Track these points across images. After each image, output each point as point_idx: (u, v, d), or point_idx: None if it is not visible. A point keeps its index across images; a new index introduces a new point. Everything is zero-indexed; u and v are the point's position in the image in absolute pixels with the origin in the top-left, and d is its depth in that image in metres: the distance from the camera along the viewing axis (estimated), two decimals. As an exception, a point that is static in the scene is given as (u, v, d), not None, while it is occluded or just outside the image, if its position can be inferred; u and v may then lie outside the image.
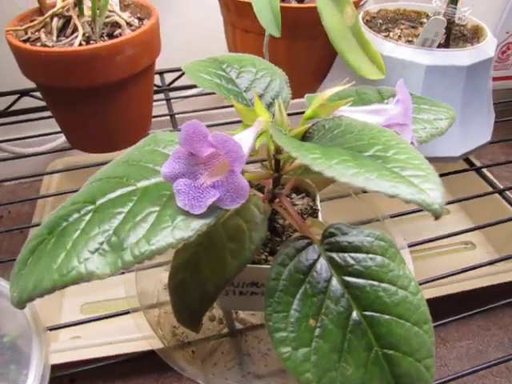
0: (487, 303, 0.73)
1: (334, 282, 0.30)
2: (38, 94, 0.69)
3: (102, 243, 0.24)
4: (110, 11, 0.52)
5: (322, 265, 0.31)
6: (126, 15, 0.54)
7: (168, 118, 0.68)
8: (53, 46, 0.47)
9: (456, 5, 0.49)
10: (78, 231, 0.26)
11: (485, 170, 0.59)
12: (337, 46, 0.44)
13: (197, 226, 0.24)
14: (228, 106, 0.72)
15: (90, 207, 0.27)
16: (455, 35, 0.54)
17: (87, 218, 0.26)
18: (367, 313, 0.30)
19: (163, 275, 0.42)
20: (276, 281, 0.29)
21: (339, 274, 0.31)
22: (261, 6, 0.42)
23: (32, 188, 0.89)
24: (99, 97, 0.49)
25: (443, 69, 0.46)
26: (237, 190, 0.24)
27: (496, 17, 0.65)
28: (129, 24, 0.53)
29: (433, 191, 0.21)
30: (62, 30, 0.50)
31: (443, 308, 0.48)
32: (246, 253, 0.30)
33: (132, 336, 0.54)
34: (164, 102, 0.72)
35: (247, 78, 0.35)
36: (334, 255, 0.31)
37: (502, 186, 0.56)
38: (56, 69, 0.46)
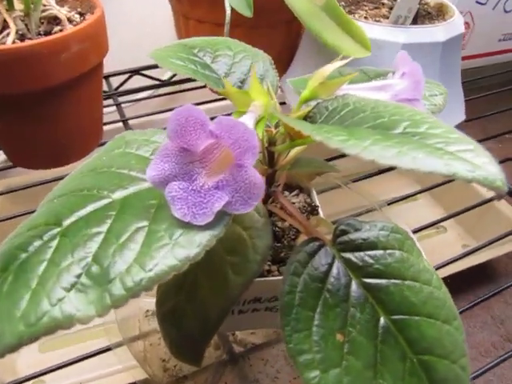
0: (464, 285, 0.73)
1: (354, 286, 0.26)
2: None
3: (79, 276, 0.19)
4: (44, 5, 0.45)
5: (339, 268, 0.26)
6: (64, 10, 0.47)
7: (120, 124, 0.62)
8: (-22, 47, 0.40)
9: (422, -20, 0.47)
10: (45, 263, 0.20)
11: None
12: (310, 27, 0.40)
13: (203, 240, 0.19)
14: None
15: (55, 230, 0.21)
16: (420, 13, 0.52)
17: (54, 244, 0.20)
18: (395, 317, 0.26)
19: (144, 301, 0.36)
20: (291, 294, 0.25)
21: (358, 276, 0.27)
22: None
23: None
24: (44, 102, 0.42)
25: (420, 46, 0.44)
26: (248, 190, 0.19)
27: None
28: (69, 19, 0.46)
29: (489, 165, 0.18)
30: (-12, 29, 0.43)
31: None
32: (251, 266, 0.25)
33: (109, 370, 0.47)
34: (113, 108, 0.65)
35: (224, 62, 0.30)
36: (350, 256, 0.27)
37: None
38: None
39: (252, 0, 0.40)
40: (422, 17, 0.52)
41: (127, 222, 0.20)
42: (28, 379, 0.34)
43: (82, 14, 0.49)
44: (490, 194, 0.77)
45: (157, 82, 0.73)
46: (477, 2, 0.64)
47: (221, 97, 0.67)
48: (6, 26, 0.43)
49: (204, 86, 0.73)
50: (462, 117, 0.52)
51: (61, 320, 0.18)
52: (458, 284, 0.72)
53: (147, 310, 0.35)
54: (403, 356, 0.25)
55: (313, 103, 0.27)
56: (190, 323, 0.25)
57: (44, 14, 0.44)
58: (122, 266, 0.18)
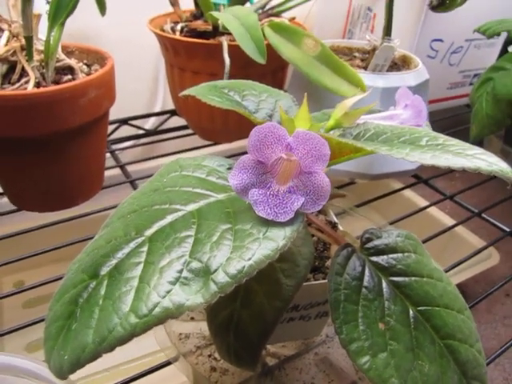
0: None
1: (384, 284, 0.30)
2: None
3: (180, 271, 0.21)
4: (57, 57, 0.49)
5: (370, 269, 0.30)
6: (72, 61, 0.51)
7: (117, 169, 0.64)
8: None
9: (390, 36, 0.55)
10: (141, 264, 0.22)
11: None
12: (307, 74, 0.46)
13: (287, 233, 0.22)
14: (171, 154, 0.70)
15: (140, 239, 0.24)
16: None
17: (145, 249, 0.23)
18: (420, 308, 0.30)
19: (174, 325, 0.37)
20: (337, 292, 0.28)
21: (386, 275, 0.31)
22: (241, 36, 0.43)
23: None
24: (59, 145, 0.45)
25: (396, 89, 0.51)
26: (317, 192, 0.23)
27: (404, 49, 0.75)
28: (80, 70, 0.50)
29: (500, 163, 0.23)
30: (5, 77, 0.45)
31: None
32: (300, 269, 0.29)
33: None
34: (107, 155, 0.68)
35: (252, 100, 0.35)
36: (377, 259, 0.31)
37: (448, 193, 0.62)
38: (10, 116, 0.41)
39: (265, 48, 0.45)
40: (390, 67, 0.60)
41: (212, 226, 0.23)
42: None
43: (88, 66, 0.52)
44: (452, 222, 0.85)
45: (143, 132, 0.76)
46: (428, 56, 0.74)
47: (209, 143, 0.71)
48: (22, 75, 0.46)
49: (186, 135, 0.77)
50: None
51: (172, 309, 0.20)
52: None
53: (180, 334, 0.37)
54: (432, 341, 0.29)
55: (335, 131, 0.32)
56: (248, 326, 0.28)
57: (58, 64, 0.48)
58: (222, 259, 0.21)
